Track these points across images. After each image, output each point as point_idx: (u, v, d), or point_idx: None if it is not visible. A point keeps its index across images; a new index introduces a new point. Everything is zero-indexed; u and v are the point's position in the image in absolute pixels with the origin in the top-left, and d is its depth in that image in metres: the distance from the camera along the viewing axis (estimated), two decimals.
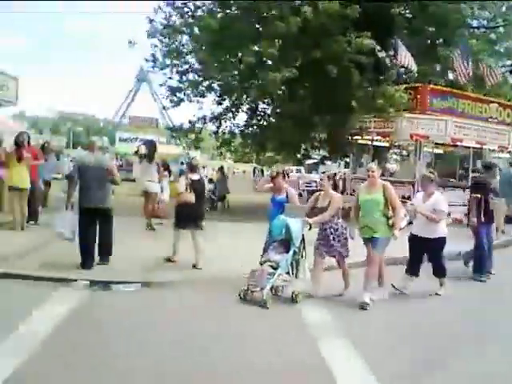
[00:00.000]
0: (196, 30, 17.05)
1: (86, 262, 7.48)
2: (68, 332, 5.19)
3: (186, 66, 18.30)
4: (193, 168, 8.51)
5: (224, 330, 5.50)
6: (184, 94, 18.50)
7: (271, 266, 6.41)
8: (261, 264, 6.53)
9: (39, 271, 7.10)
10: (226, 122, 19.17)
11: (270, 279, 6.30)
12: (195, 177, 8.32)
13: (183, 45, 18.20)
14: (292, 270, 6.60)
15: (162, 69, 18.57)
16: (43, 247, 8.63)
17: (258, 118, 19.21)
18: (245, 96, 18.00)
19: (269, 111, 18.99)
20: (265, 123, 18.89)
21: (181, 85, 18.44)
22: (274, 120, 18.51)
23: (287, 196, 7.28)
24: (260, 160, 31.88)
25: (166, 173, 14.13)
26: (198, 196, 8.15)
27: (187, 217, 8.06)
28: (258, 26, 15.76)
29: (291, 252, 6.51)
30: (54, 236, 8.07)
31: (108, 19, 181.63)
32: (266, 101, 18.25)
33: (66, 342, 4.91)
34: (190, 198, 8.01)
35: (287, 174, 8.71)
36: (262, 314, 6.06)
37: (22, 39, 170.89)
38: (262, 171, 34.67)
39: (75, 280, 6.86)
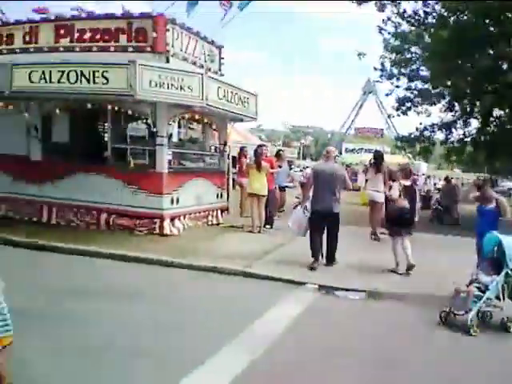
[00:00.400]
0: (426, 37, 16.69)
1: (314, 264, 8.11)
2: (297, 334, 5.41)
3: (414, 74, 18.03)
4: (406, 174, 8.52)
5: (435, 352, 5.16)
6: (411, 102, 18.25)
7: (478, 288, 5.80)
8: (467, 285, 5.95)
9: (273, 272, 7.61)
10: (456, 129, 18.32)
11: (477, 303, 5.68)
12: (407, 182, 8.34)
13: (412, 53, 17.97)
14: (503, 294, 5.86)
15: (389, 78, 18.62)
16: (278, 250, 9.33)
17: (492, 125, 17.85)
18: (478, 102, 16.96)
19: (505, 117, 17.50)
20: (500, 130, 17.46)
21: (408, 93, 18.22)
22: (510, 127, 17.01)
23: (497, 206, 6.65)
24: (493, 170, 29.32)
25: (391, 182, 14.07)
26: (409, 202, 8.12)
27: (399, 223, 8.11)
28: (492, 28, 14.72)
29: (503, 273, 5.76)
30: (288, 238, 9.01)
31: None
32: (502, 106, 16.86)
33: (295, 344, 5.12)
34: (404, 203, 8.06)
35: (495, 182, 8.02)
36: (470, 342, 5.40)
37: (264, 53, 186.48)
38: (493, 182, 31.70)
39: (305, 283, 7.32)
